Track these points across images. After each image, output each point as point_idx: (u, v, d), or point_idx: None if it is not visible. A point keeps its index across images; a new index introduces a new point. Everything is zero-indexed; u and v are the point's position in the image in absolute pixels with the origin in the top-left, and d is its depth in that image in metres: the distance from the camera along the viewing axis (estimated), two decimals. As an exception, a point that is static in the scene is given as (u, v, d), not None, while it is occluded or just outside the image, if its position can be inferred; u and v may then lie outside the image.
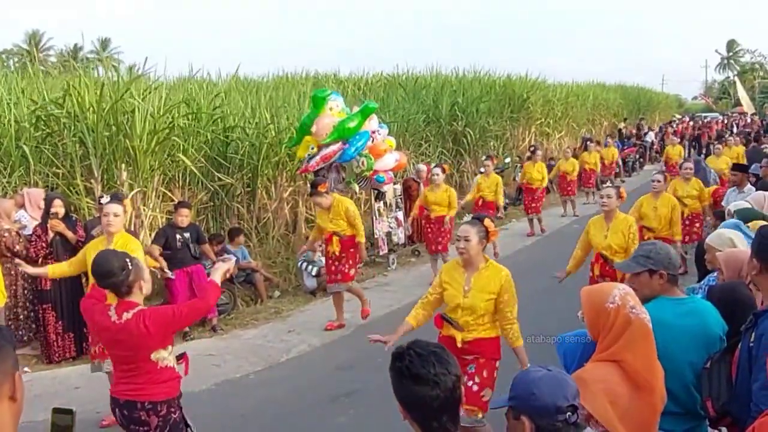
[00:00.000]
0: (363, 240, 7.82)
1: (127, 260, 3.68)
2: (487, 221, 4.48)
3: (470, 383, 4.37)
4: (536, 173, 13.89)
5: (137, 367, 3.66)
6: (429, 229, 10.05)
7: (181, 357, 3.92)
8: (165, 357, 3.70)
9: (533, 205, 13.80)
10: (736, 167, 8.97)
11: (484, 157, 14.06)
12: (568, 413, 2.05)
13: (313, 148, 9.82)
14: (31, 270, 5.85)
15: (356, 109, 10.19)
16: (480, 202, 11.84)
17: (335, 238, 7.76)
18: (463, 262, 4.47)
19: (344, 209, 7.72)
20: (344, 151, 9.75)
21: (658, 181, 8.06)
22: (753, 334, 2.74)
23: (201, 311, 4.02)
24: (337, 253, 7.79)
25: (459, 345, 4.35)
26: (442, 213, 9.82)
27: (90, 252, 5.53)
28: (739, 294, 3.23)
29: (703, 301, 3.22)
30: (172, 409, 3.74)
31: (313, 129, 9.69)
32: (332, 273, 7.93)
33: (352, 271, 7.94)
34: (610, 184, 7.29)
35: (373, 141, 10.10)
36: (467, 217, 5.14)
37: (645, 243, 3.39)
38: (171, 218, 8.51)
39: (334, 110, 9.85)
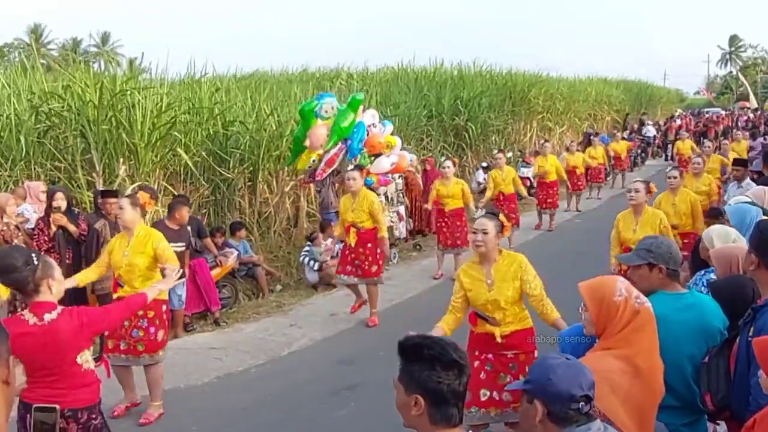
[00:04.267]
0: (386, 235, 7.60)
1: (33, 256, 3.44)
2: (501, 216, 4.48)
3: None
4: (549, 166, 13.63)
5: (60, 371, 3.44)
6: (444, 223, 9.87)
7: (99, 359, 3.73)
8: (88, 359, 3.54)
9: (549, 200, 13.58)
10: (737, 162, 8.97)
11: (495, 151, 14.01)
12: (582, 403, 2.09)
13: (314, 161, 9.86)
14: (65, 285, 5.72)
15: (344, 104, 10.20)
16: (500, 197, 11.69)
17: (353, 230, 7.66)
18: (479, 257, 4.43)
19: (369, 203, 7.62)
20: (348, 148, 9.77)
21: (674, 177, 7.94)
22: (752, 328, 2.76)
23: (124, 317, 4.08)
24: (353, 246, 7.68)
25: (499, 340, 4.29)
26: (456, 206, 9.70)
27: (113, 250, 5.53)
28: (744, 288, 3.23)
29: (702, 296, 3.23)
30: (93, 416, 3.56)
31: (307, 143, 9.69)
32: (347, 263, 7.78)
33: (374, 268, 7.72)
34: (639, 179, 7.23)
35: (368, 134, 10.08)
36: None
37: (647, 237, 3.41)
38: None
39: (329, 113, 9.84)
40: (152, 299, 4.28)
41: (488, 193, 11.64)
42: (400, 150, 11.08)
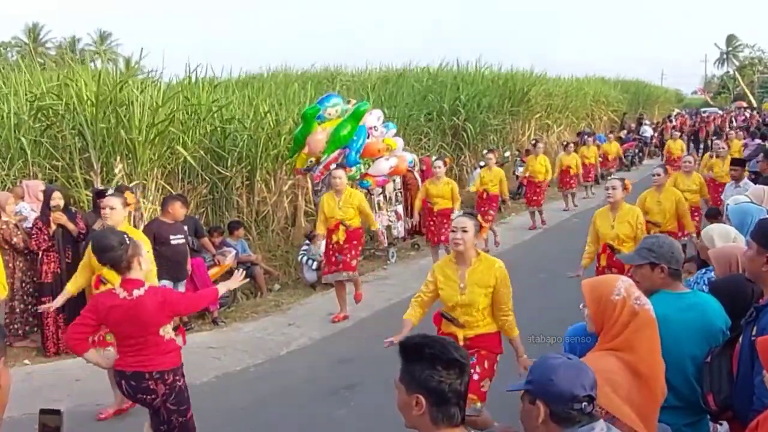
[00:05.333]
0: (378, 227, 7.94)
1: (125, 237, 3.98)
2: (479, 217, 4.50)
3: (471, 372, 4.36)
4: (539, 166, 13.82)
5: (145, 341, 3.92)
6: (431, 222, 10.01)
7: (177, 328, 4.19)
8: (169, 331, 4.01)
9: (534, 198, 13.75)
10: (735, 162, 8.98)
11: (485, 151, 14.04)
12: (584, 403, 2.07)
13: (311, 161, 9.90)
14: (58, 303, 5.59)
15: (353, 103, 10.19)
16: (484, 195, 11.75)
17: (341, 227, 7.75)
18: (456, 256, 4.43)
19: (358, 201, 7.82)
20: (346, 156, 9.75)
21: (658, 175, 8.09)
22: (755, 327, 2.75)
23: (198, 307, 4.52)
24: (341, 242, 7.77)
25: (462, 342, 4.28)
26: (445, 206, 9.78)
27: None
28: (744, 288, 3.24)
29: (705, 295, 3.22)
30: (177, 377, 4.04)
31: (306, 150, 9.79)
32: (332, 263, 7.91)
33: (354, 262, 7.91)
34: (616, 176, 7.35)
35: (369, 137, 10.07)
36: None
37: (649, 236, 3.42)
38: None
39: (332, 115, 9.85)
40: None
41: (473, 188, 11.99)
42: (402, 151, 11.06)
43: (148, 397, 3.97)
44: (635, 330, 2.59)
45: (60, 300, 5.58)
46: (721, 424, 3.22)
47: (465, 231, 4.31)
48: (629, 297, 2.63)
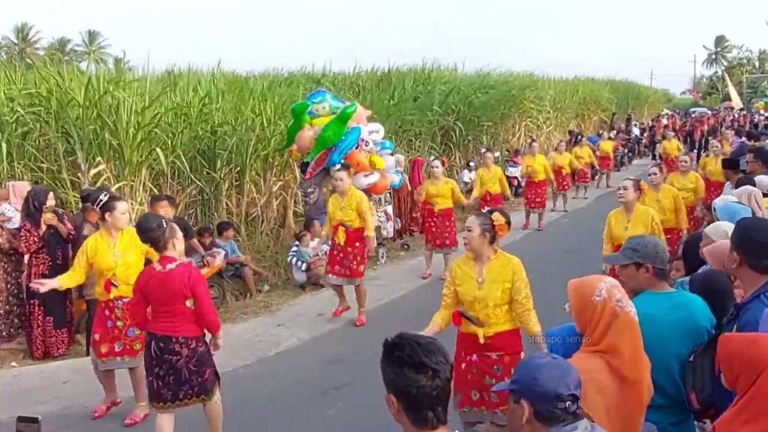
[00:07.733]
0: (372, 234, 7.80)
1: (163, 221, 4.71)
2: (495, 215, 4.46)
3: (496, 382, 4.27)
4: (537, 165, 13.55)
5: (174, 309, 4.53)
6: (432, 223, 9.76)
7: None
8: (192, 304, 4.59)
9: (537, 199, 13.51)
10: (727, 163, 9.01)
11: (483, 149, 13.98)
12: (568, 402, 2.08)
13: (301, 155, 9.98)
14: (48, 287, 5.48)
15: (347, 102, 10.18)
16: (487, 197, 11.57)
17: (341, 229, 7.71)
18: (472, 254, 4.48)
19: (357, 201, 7.72)
20: (329, 155, 9.71)
21: (655, 174, 8.09)
22: (735, 326, 2.77)
23: (206, 313, 4.69)
24: (342, 244, 7.72)
25: (482, 341, 4.30)
26: (445, 205, 9.64)
27: (97, 253, 5.44)
28: (718, 283, 3.27)
29: (690, 295, 3.23)
30: (200, 344, 4.66)
31: (295, 147, 9.86)
32: (335, 263, 7.80)
33: (362, 268, 7.79)
34: (630, 177, 7.33)
35: (358, 147, 9.93)
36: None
37: (634, 236, 3.41)
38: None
39: (321, 112, 9.84)
40: None
41: (475, 192, 11.61)
42: (389, 172, 10.72)
43: (173, 357, 4.54)
44: (617, 332, 2.60)
45: (50, 284, 5.50)
46: (704, 423, 3.23)
47: (469, 230, 4.39)
48: (610, 299, 2.63)
